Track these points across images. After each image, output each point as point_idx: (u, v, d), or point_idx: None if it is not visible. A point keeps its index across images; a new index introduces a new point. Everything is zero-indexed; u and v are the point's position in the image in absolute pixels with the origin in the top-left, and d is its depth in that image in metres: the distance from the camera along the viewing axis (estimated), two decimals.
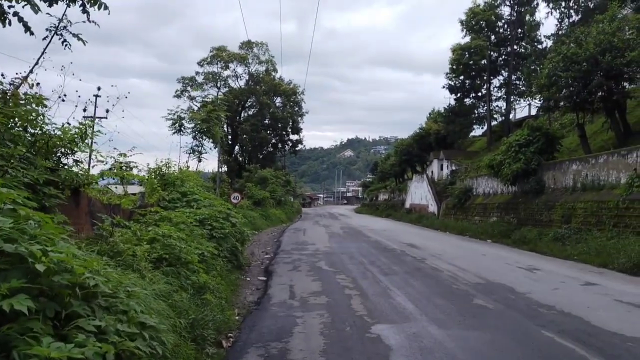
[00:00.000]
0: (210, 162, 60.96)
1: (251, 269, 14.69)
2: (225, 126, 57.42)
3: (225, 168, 58.36)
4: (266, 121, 63.61)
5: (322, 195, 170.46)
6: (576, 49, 23.90)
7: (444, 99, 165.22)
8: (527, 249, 20.59)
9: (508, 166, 26.63)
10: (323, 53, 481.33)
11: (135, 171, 14.44)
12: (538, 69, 41.01)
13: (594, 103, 25.10)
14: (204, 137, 23.49)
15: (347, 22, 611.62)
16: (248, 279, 12.97)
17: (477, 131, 58.35)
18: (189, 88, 60.25)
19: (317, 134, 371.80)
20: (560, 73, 24.38)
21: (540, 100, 27.42)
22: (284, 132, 66.65)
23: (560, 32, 32.88)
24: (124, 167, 13.94)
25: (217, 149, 28.44)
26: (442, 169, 50.92)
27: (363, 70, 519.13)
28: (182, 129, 23.32)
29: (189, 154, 23.39)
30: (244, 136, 61.55)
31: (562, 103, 26.06)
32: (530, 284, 11.17)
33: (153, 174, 14.81)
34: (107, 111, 27.14)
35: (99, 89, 29.71)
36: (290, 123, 65.37)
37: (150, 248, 7.68)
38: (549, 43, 45.93)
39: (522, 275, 12.57)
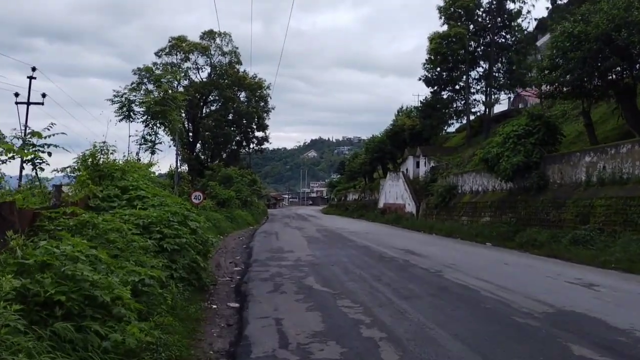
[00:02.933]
0: (168, 159, 56.32)
1: (217, 289, 11.01)
2: (185, 120, 53.21)
3: (186, 166, 54.17)
4: (230, 117, 59.49)
5: (286, 196, 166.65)
6: (584, 26, 21.14)
7: (412, 97, 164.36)
8: (542, 254, 17.54)
9: (507, 160, 23.62)
10: (287, 54, 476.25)
11: (57, 157, 10.73)
12: (531, 56, 38.77)
13: (602, 87, 22.50)
14: (157, 124, 19.57)
15: (312, 23, 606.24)
16: (214, 306, 9.31)
17: (451, 128, 55.89)
18: (145, 80, 55.45)
19: (280, 134, 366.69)
20: (566, 54, 21.67)
21: (545, 86, 24.49)
22: (249, 129, 62.54)
23: (554, 15, 30.27)
24: (39, 150, 10.22)
25: (174, 140, 24.46)
26: (418, 166, 48.04)
27: (327, 72, 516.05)
28: (131, 114, 19.38)
29: (140, 144, 19.43)
30: (207, 133, 57.29)
31: (565, 88, 23.25)
32: (617, 312, 7.92)
33: (83, 162, 10.99)
34: (44, 95, 22.13)
35: (33, 69, 25.28)
36: (256, 119, 61.23)
37: (27, 284, 4.01)
38: (532, 27, 43.99)
39: (590, 297, 9.31)
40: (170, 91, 20.97)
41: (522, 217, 23.08)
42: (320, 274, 12.41)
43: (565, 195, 20.58)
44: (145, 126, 19.66)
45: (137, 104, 19.06)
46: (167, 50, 56.19)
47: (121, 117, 19.49)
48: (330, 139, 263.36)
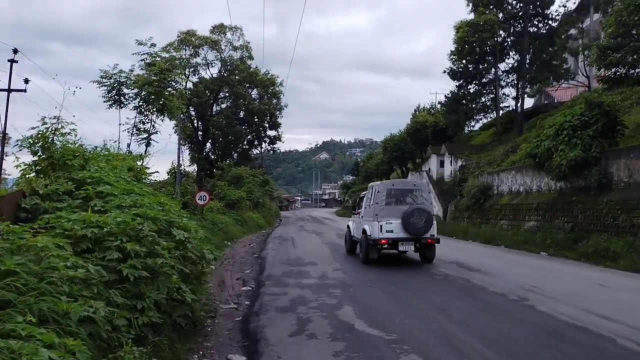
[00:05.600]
0: (173, 157, 52.56)
1: (217, 325, 7.76)
2: (194, 118, 50.28)
3: (195, 166, 51.21)
4: (241, 114, 56.43)
5: (299, 198, 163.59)
6: None
7: (426, 98, 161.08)
8: (623, 268, 14.14)
9: (562, 155, 20.20)
10: (300, 56, 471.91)
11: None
12: (575, 40, 35.29)
13: None
14: (152, 110, 16.40)
15: (326, 26, 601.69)
16: None
17: (477, 125, 52.37)
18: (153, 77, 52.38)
19: (291, 136, 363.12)
20: (630, 32, 18.42)
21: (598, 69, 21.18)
22: (261, 128, 59.37)
23: None
24: None
25: (176, 129, 21.26)
26: (442, 165, 44.69)
27: (339, 74, 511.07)
28: (122, 98, 16.27)
29: (132, 134, 16.27)
30: (216, 132, 54.21)
31: (631, 70, 19.92)
32: None
33: (30, 145, 7.81)
34: (27, 81, 18.82)
35: (15, 51, 22.15)
36: (268, 117, 58.08)
37: None
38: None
39: None
40: (169, 71, 17.82)
41: (580, 221, 19.62)
42: (360, 302, 9.05)
43: (638, 196, 17.15)
44: (139, 113, 16.52)
45: (128, 85, 15.91)
46: (175, 45, 53.21)
47: (110, 102, 16.40)
48: (342, 141, 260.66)
